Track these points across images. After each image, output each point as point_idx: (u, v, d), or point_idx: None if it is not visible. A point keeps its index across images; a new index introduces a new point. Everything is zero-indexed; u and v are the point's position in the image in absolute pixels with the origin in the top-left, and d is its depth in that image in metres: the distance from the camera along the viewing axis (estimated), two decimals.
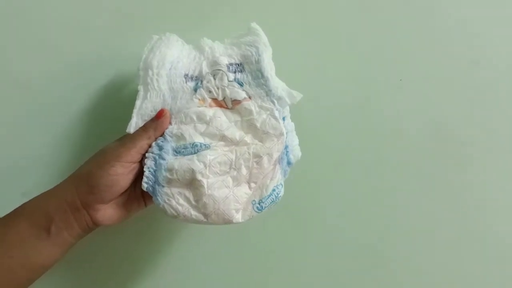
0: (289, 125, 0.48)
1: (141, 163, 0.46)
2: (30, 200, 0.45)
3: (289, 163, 0.47)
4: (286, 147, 0.47)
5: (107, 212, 0.46)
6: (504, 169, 0.57)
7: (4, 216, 0.45)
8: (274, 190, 0.46)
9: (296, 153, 0.48)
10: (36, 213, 0.44)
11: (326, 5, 0.56)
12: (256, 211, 0.45)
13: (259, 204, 0.45)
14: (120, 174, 0.44)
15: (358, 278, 0.58)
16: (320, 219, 0.57)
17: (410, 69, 0.57)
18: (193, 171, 0.44)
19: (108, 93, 0.55)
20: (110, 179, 0.44)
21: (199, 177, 0.44)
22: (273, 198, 0.45)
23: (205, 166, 0.44)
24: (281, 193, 0.46)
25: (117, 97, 0.55)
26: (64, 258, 0.46)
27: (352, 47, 0.56)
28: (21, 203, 0.45)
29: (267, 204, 0.45)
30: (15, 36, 0.55)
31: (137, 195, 0.48)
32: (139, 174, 0.46)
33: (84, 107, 0.55)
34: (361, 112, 0.56)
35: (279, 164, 0.46)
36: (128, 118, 0.47)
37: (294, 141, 0.48)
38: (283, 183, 0.47)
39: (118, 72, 0.55)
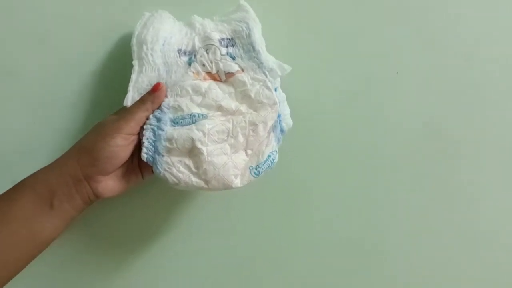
0: (281, 95, 0.50)
1: (139, 135, 0.47)
2: (32, 175, 0.46)
3: (282, 131, 0.50)
4: (279, 116, 0.49)
5: (108, 184, 0.47)
6: (498, 167, 0.58)
7: (7, 191, 0.45)
8: (269, 156, 0.48)
9: (288, 121, 0.50)
10: (38, 187, 0.45)
11: None
12: (253, 176, 0.47)
13: (256, 169, 0.48)
14: (121, 146, 0.45)
15: (347, 267, 0.59)
16: (308, 198, 0.58)
17: (407, 62, 0.56)
18: (192, 140, 0.46)
19: (100, 71, 0.55)
20: (111, 150, 0.45)
21: (198, 145, 0.46)
22: (269, 164, 0.48)
23: (204, 134, 0.46)
24: (276, 159, 0.49)
25: (109, 76, 0.55)
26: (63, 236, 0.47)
27: (347, 38, 0.56)
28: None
29: (264, 169, 0.48)
30: (6, 19, 0.54)
31: (135, 167, 0.49)
32: (136, 147, 0.47)
33: (75, 89, 0.55)
34: (355, 102, 0.56)
35: (273, 132, 0.49)
36: (122, 93, 0.47)
37: (285, 110, 0.50)
38: (277, 150, 0.49)
39: (107, 51, 0.55)
